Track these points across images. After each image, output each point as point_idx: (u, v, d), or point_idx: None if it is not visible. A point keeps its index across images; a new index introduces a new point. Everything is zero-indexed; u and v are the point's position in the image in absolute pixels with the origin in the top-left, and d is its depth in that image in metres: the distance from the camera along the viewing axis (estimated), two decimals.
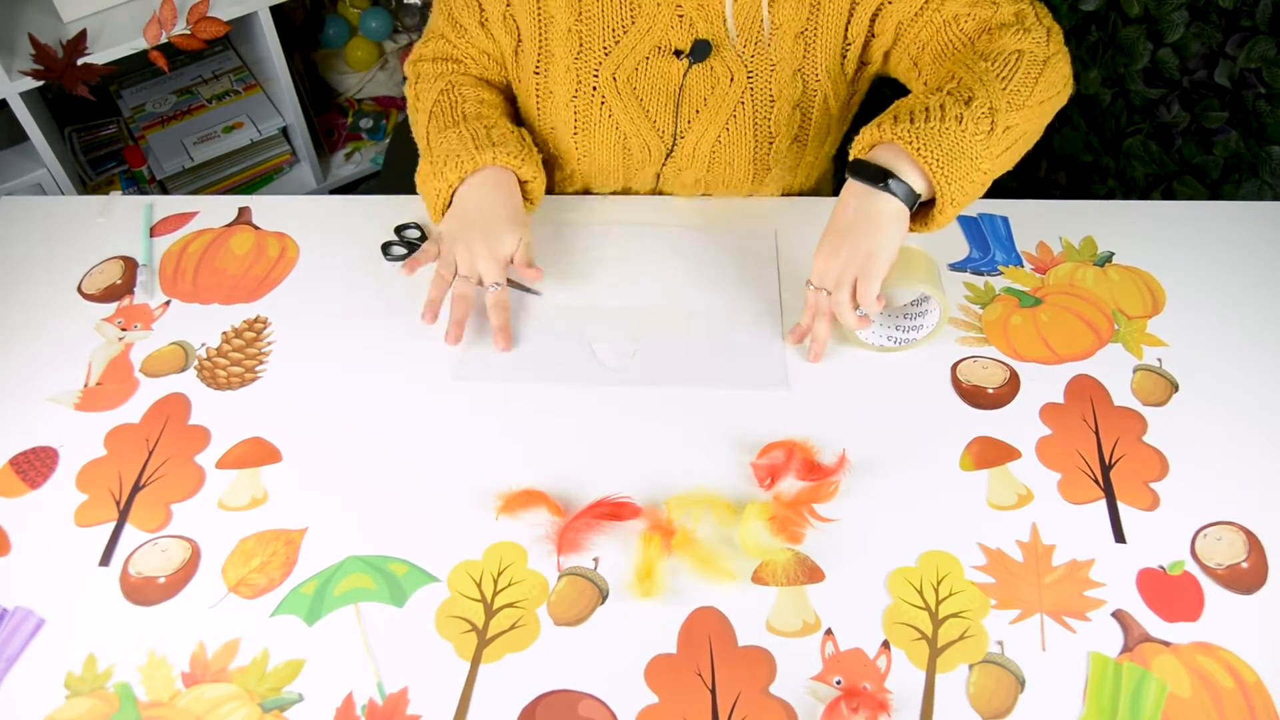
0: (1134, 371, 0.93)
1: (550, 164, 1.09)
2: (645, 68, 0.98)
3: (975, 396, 0.91)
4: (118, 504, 0.84)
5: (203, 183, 1.96)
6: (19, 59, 1.57)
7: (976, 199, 0.88)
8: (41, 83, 1.57)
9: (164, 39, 1.63)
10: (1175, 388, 0.91)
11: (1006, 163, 0.88)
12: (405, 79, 1.10)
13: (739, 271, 1.01)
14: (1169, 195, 1.37)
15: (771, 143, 1.02)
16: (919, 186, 0.85)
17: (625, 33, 0.97)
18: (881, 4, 0.94)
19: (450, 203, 0.97)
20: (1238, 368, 0.93)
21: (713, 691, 0.73)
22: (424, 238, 1.06)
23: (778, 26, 0.96)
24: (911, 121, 0.84)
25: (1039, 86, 0.88)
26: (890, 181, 0.84)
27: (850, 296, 0.86)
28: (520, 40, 1.01)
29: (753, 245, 1.04)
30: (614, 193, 1.11)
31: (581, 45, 0.98)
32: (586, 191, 1.12)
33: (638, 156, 1.04)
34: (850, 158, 0.88)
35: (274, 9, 1.73)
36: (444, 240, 0.96)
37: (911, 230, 0.87)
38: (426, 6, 2.15)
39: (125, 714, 0.72)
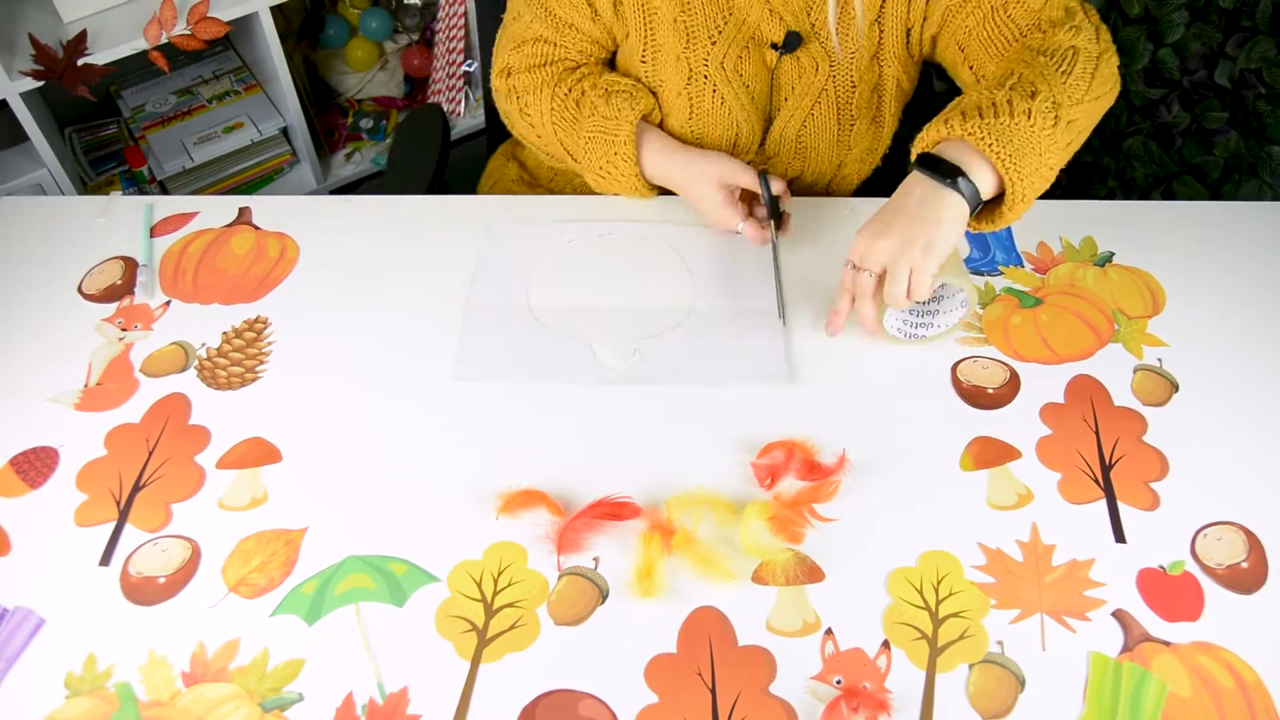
0: (1134, 371, 0.93)
1: None
2: (746, 56, 1.02)
3: (975, 396, 0.91)
4: (118, 504, 0.84)
5: (203, 183, 1.96)
6: (19, 59, 1.57)
7: (1041, 193, 0.88)
8: (41, 83, 1.57)
9: (164, 39, 1.63)
10: (1175, 388, 0.91)
11: (1066, 158, 0.89)
12: (494, 90, 1.11)
13: (739, 269, 1.01)
14: (1169, 195, 1.37)
15: (853, 125, 1.07)
16: (986, 185, 0.85)
17: (725, 24, 1.01)
18: None
19: (645, 184, 1.05)
20: (1238, 368, 0.93)
21: (713, 691, 0.73)
22: None
23: (856, 16, 1.00)
24: (981, 117, 0.84)
25: (1095, 82, 0.89)
26: (960, 180, 0.84)
27: (905, 285, 0.85)
28: (629, 32, 1.04)
29: (752, 244, 1.03)
30: None
31: (689, 36, 1.01)
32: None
33: (743, 140, 1.07)
34: (915, 152, 0.88)
35: (274, 9, 1.73)
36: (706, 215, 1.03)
37: (970, 229, 0.89)
38: (427, 6, 2.15)
39: (125, 714, 0.72)
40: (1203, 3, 1.23)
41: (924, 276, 0.84)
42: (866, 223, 0.88)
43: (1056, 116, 0.85)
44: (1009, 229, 1.05)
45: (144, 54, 1.64)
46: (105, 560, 0.81)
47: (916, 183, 0.86)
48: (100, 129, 1.96)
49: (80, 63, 1.58)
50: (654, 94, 1.05)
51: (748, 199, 1.04)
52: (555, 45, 1.05)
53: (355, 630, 0.77)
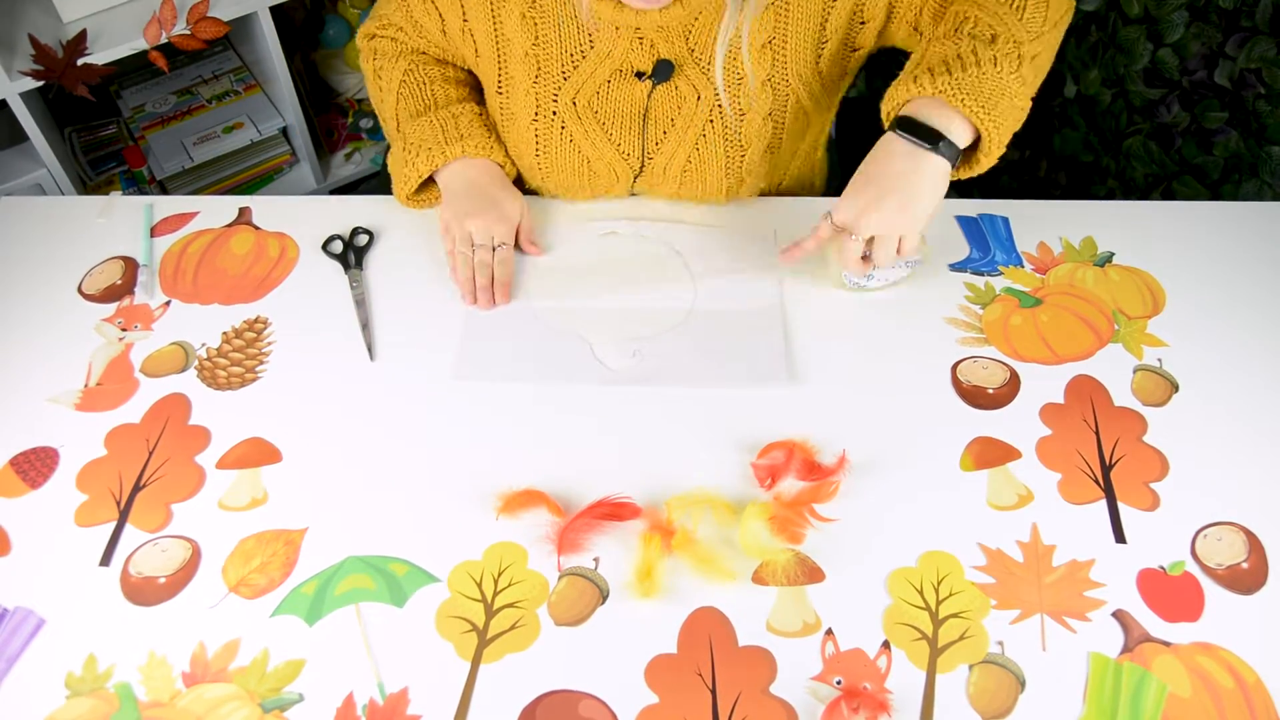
0: (1134, 371, 0.93)
1: (518, 180, 1.09)
2: (607, 91, 0.97)
3: (975, 396, 0.91)
4: (118, 504, 0.84)
5: (203, 183, 1.96)
6: (19, 59, 1.57)
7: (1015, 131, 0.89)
8: (41, 83, 1.56)
9: (164, 39, 1.63)
10: (1175, 388, 0.91)
11: (1034, 90, 0.90)
12: (357, 48, 1.11)
13: (739, 270, 1.01)
14: (1169, 195, 1.37)
15: (744, 155, 1.01)
16: (964, 140, 0.86)
17: (584, 57, 0.96)
18: None
19: (416, 190, 1.04)
20: (1238, 368, 0.93)
21: (713, 691, 0.73)
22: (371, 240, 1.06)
23: (743, 41, 0.92)
24: (949, 73, 0.84)
25: (1050, 9, 0.90)
26: (941, 144, 0.85)
27: (895, 248, 0.88)
28: (479, 55, 1.01)
29: (752, 244, 1.04)
30: None
31: (540, 69, 0.97)
32: None
33: (603, 178, 1.04)
34: (888, 114, 0.89)
35: (274, 9, 1.73)
36: (451, 224, 0.99)
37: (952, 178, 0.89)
38: None
39: (125, 714, 0.72)
40: (1203, 3, 1.23)
41: (912, 240, 0.88)
42: (851, 188, 0.88)
43: (1019, 56, 0.86)
44: (1009, 229, 1.05)
45: (144, 54, 1.64)
46: (105, 560, 0.81)
47: (898, 147, 0.86)
48: (100, 129, 1.96)
49: (80, 63, 1.58)
50: (500, 126, 1.05)
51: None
52: (411, 38, 1.06)
53: (355, 630, 0.77)
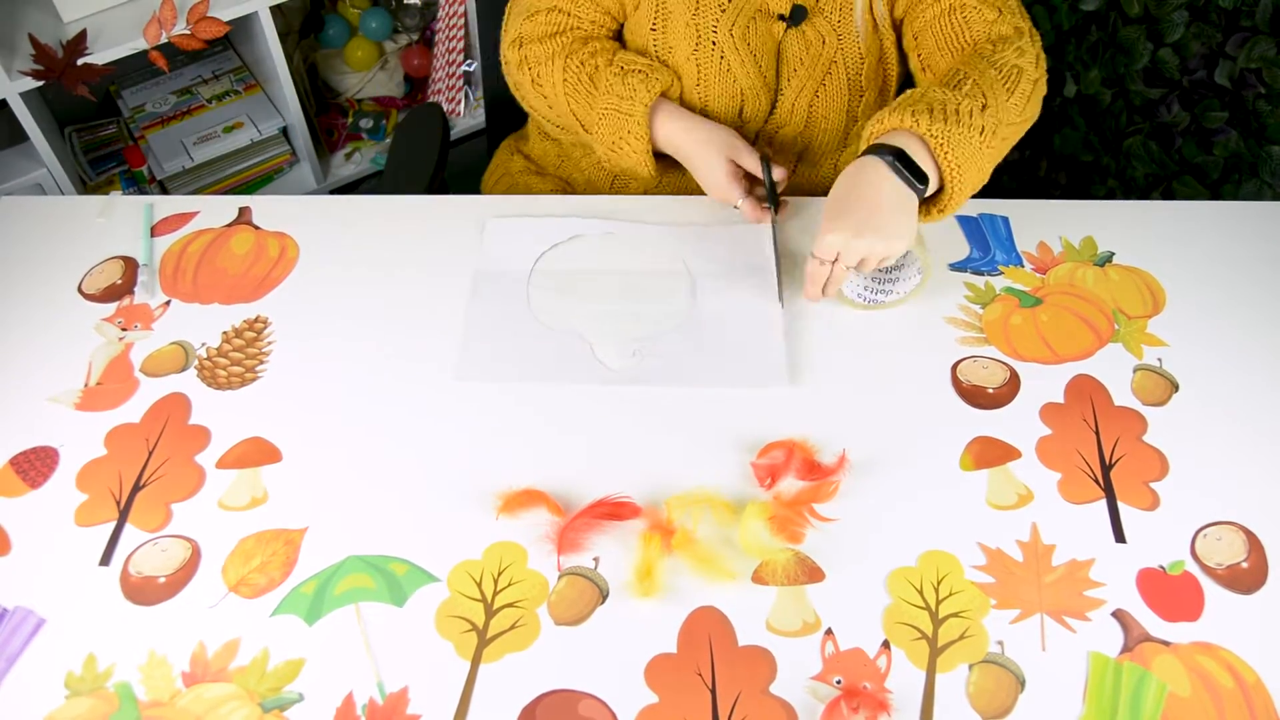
0: (1134, 371, 0.93)
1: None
2: (754, 27, 1.04)
3: (975, 396, 0.91)
4: (118, 504, 0.84)
5: (203, 183, 1.96)
6: (19, 59, 1.57)
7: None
8: (41, 83, 1.57)
9: (164, 39, 1.63)
10: (1175, 388, 0.91)
11: (989, 172, 0.94)
12: (505, 61, 1.11)
13: (738, 270, 1.01)
14: (1169, 195, 1.37)
15: (862, 97, 1.09)
16: (933, 186, 0.90)
17: None
18: None
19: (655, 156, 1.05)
20: (1238, 368, 0.93)
21: (713, 691, 0.73)
22: None
23: None
24: (945, 122, 0.88)
25: (1028, 107, 0.96)
26: (924, 184, 0.88)
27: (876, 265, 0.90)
28: (640, 2, 1.06)
29: (751, 243, 1.03)
30: None
31: (699, 3, 1.03)
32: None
33: (749, 110, 1.08)
34: (873, 136, 0.91)
35: (274, 9, 1.73)
36: (711, 190, 1.04)
37: None
38: (427, 6, 2.15)
39: (125, 714, 0.72)
40: (1203, 3, 1.23)
41: (893, 260, 0.90)
42: (834, 216, 0.88)
43: (995, 133, 0.91)
44: (1009, 229, 1.05)
45: (144, 54, 1.64)
46: (105, 560, 0.81)
47: (884, 177, 0.88)
48: (100, 129, 1.96)
49: (80, 63, 1.58)
50: (665, 64, 1.07)
51: (748, 180, 1.05)
52: (568, 15, 1.07)
53: (355, 630, 0.77)
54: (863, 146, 0.91)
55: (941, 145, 0.87)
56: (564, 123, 1.10)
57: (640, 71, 1.03)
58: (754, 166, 1.02)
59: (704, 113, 1.08)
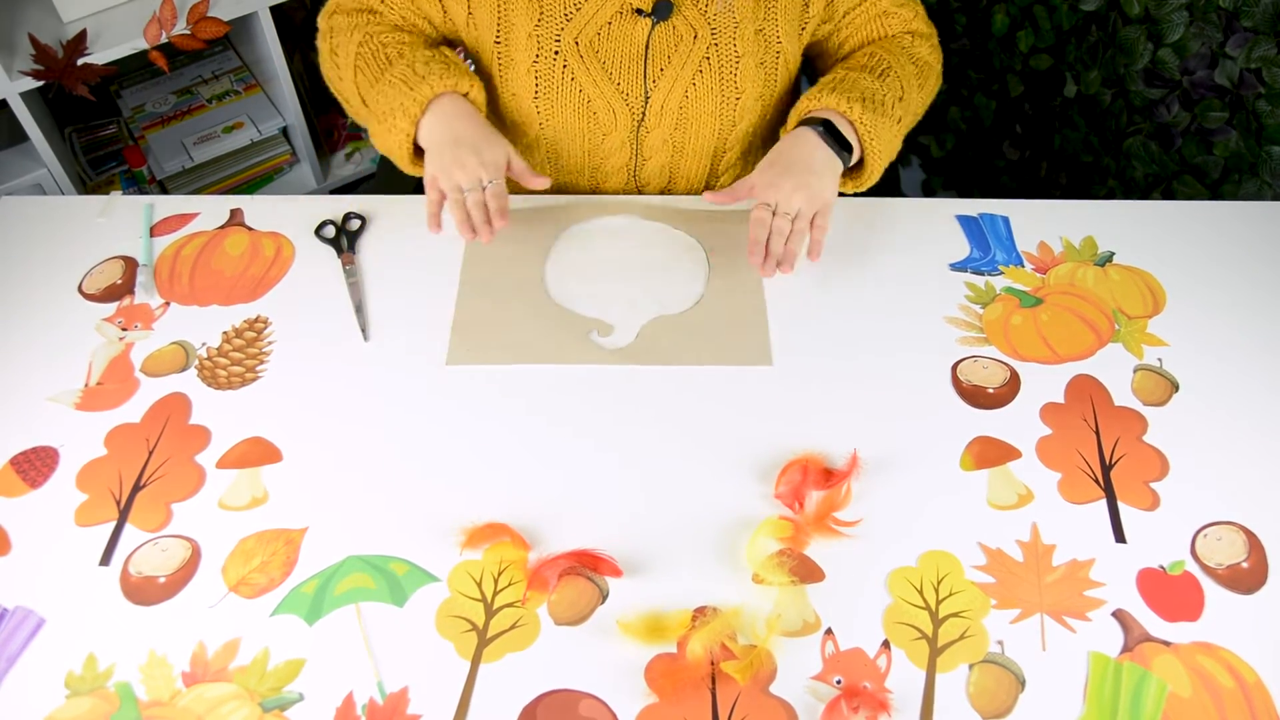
0: (1134, 371, 0.93)
1: (514, 131, 1.10)
2: (609, 31, 0.99)
3: (975, 396, 0.91)
4: (118, 504, 0.84)
5: (203, 183, 1.96)
6: (19, 59, 1.57)
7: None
8: (41, 83, 1.56)
9: (164, 39, 1.63)
10: (1175, 388, 0.91)
11: (890, 157, 1.01)
12: (318, 32, 1.07)
13: (725, 261, 1.01)
14: (1169, 195, 1.37)
15: (739, 99, 1.04)
16: (853, 160, 0.99)
17: None
18: None
19: (415, 148, 0.99)
20: (1238, 368, 0.93)
21: (713, 691, 0.73)
22: (363, 225, 1.06)
23: None
24: (874, 112, 0.97)
25: (928, 101, 1.07)
26: (849, 156, 0.97)
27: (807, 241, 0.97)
28: (471, 11, 1.01)
29: (742, 240, 1.03)
30: (581, 159, 1.10)
31: (543, 12, 0.98)
32: (554, 160, 1.12)
33: (603, 120, 1.04)
34: (806, 110, 0.99)
35: (274, 9, 1.73)
36: (438, 178, 0.96)
37: None
38: None
39: (125, 714, 0.72)
40: (1203, 3, 1.23)
41: (826, 221, 0.96)
42: (773, 167, 0.96)
43: (903, 121, 1.02)
44: (1009, 229, 1.05)
45: (144, 54, 1.63)
46: (105, 560, 0.81)
47: (817, 145, 0.96)
48: (100, 129, 1.96)
49: (80, 62, 1.58)
50: (497, 74, 1.03)
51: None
52: (385, 11, 1.04)
53: (355, 630, 0.77)
54: (797, 119, 0.99)
55: (869, 131, 0.97)
56: (347, 95, 1.05)
57: (447, 62, 0.99)
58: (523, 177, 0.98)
59: (548, 125, 1.05)
